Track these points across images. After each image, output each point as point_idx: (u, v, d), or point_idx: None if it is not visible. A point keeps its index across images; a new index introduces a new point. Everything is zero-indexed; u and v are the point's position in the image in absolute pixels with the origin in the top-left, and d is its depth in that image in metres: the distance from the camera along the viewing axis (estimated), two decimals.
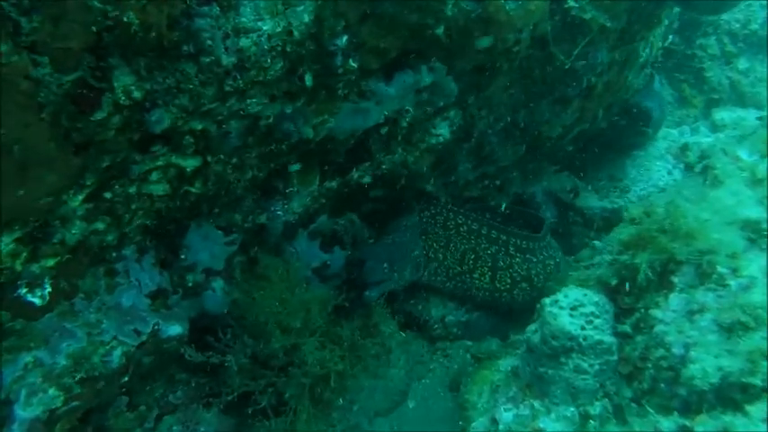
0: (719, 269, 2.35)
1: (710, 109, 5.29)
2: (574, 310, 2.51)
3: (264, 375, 2.88)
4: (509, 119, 3.69)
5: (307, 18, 2.45)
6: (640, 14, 3.75)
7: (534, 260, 3.93)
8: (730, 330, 2.22)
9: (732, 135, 4.67)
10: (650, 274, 2.44)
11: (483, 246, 3.90)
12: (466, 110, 3.43)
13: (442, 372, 3.82)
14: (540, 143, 4.08)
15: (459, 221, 3.88)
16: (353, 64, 2.64)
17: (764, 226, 2.42)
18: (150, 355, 2.67)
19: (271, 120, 2.62)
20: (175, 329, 2.70)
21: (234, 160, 2.71)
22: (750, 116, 5.07)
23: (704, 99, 5.37)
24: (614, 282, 2.57)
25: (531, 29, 3.17)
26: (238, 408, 2.95)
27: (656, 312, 2.43)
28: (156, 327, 2.64)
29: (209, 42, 2.18)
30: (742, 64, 5.39)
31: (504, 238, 3.88)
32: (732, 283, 2.30)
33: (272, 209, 3.01)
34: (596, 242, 3.27)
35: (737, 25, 5.41)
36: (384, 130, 3.20)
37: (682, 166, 4.75)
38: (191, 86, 2.21)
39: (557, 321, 2.50)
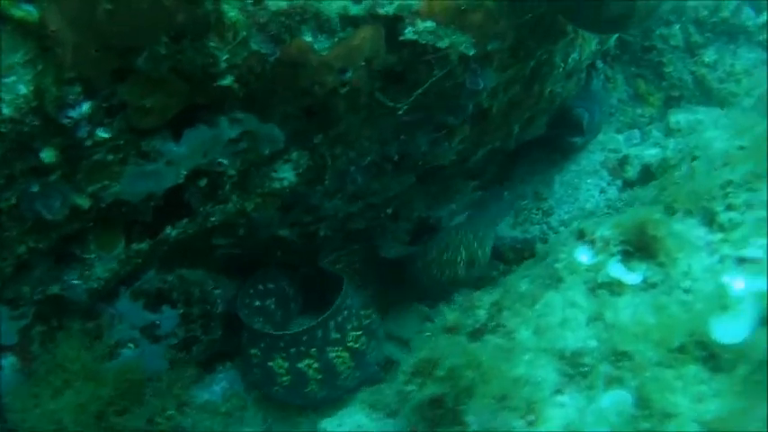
0: (513, 421, 1.91)
1: (670, 107, 4.66)
2: None
3: None
4: (378, 153, 3.21)
5: (24, 90, 2.06)
6: (533, 30, 3.19)
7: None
8: None
9: (679, 148, 4.10)
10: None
11: None
12: (314, 150, 2.98)
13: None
14: (435, 169, 3.61)
15: None
16: (104, 135, 2.26)
17: (587, 360, 1.96)
18: None
19: (12, 200, 2.25)
20: None
21: None
22: (709, 118, 4.45)
23: (662, 96, 4.73)
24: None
25: (364, 65, 2.68)
26: None
27: None
28: None
29: None
30: (709, 56, 4.72)
31: None
32: None
33: (66, 278, 2.66)
34: (457, 295, 2.82)
35: (705, 12, 4.72)
36: (203, 182, 2.81)
37: (619, 182, 4.20)
38: None
39: None
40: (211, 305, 3.20)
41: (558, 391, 1.96)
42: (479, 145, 3.57)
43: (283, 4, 2.37)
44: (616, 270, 2.14)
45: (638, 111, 4.73)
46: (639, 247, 2.33)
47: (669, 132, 4.50)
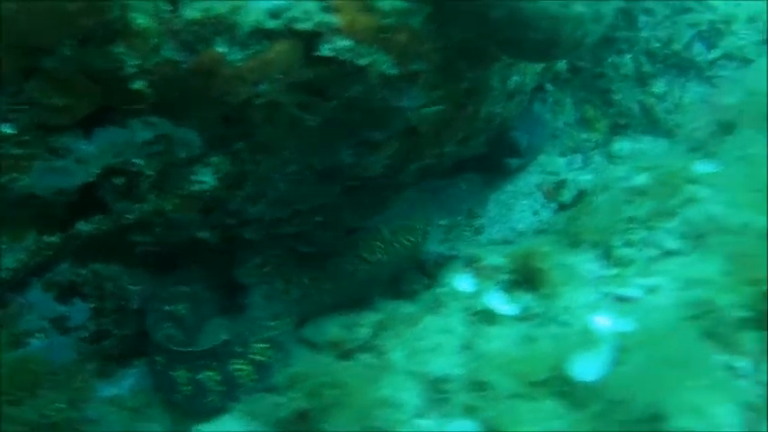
0: None
1: (616, 134, 4.73)
2: None
3: None
4: (301, 163, 3.25)
5: None
6: (463, 52, 3.23)
7: None
8: None
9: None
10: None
11: None
12: (236, 156, 3.02)
13: None
14: (364, 181, 3.65)
15: None
16: (8, 131, 2.28)
17: (450, 387, 2.01)
18: None
19: None
20: None
21: None
22: (650, 148, 4.52)
23: (609, 123, 4.79)
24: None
25: (281, 78, 2.72)
26: None
27: None
28: None
29: None
30: (659, 87, 4.78)
31: None
32: None
33: None
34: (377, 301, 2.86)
35: (658, 44, 4.78)
36: (119, 181, 2.84)
37: (554, 205, 4.26)
38: None
39: None
40: (126, 301, 3.23)
41: (419, 415, 2.00)
42: (409, 161, 3.60)
43: (198, 14, 2.39)
44: (493, 300, 2.19)
45: (584, 135, 4.79)
46: (527, 278, 2.38)
47: (611, 160, 4.56)
